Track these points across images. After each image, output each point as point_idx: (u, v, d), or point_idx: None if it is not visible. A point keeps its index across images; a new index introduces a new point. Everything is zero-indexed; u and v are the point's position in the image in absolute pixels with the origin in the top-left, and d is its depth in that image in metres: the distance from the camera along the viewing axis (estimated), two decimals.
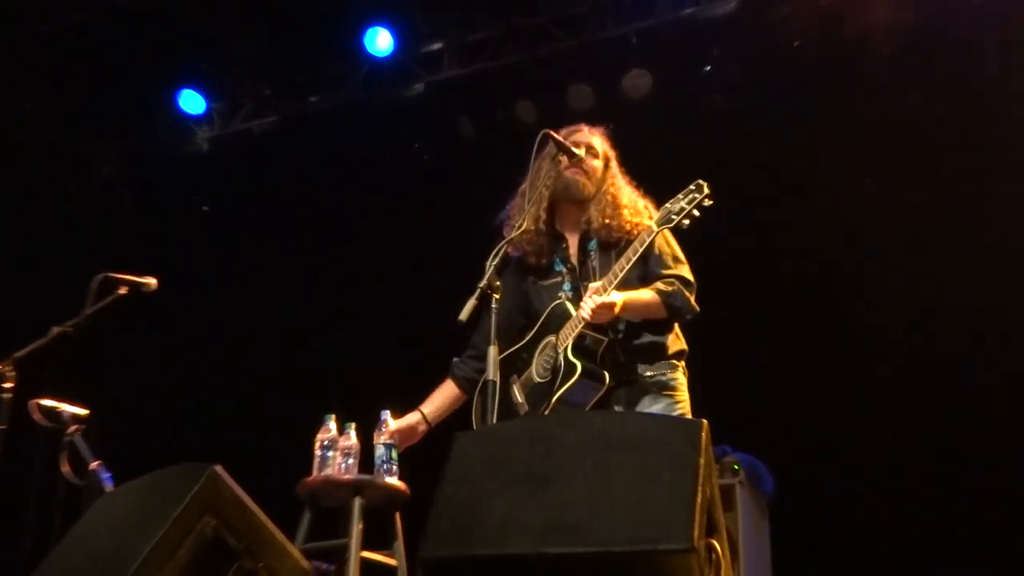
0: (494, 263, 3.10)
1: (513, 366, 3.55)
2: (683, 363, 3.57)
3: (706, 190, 3.20)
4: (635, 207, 3.53)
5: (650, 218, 3.39)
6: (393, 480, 3.49)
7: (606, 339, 3.43)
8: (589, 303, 3.26)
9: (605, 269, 3.40)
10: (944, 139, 5.27)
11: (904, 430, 5.35)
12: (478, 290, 3.00)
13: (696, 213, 3.19)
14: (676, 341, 3.56)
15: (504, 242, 3.24)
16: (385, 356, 6.42)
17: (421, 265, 6.48)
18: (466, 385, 3.71)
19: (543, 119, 5.56)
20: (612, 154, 3.67)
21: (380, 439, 3.50)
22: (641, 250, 3.27)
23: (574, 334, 3.38)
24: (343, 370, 6.30)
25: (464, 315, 2.93)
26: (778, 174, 5.76)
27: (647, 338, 3.50)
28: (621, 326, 3.48)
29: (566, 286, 3.52)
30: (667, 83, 5.94)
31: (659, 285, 3.44)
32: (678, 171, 3.37)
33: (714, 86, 5.84)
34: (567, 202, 3.59)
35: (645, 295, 3.41)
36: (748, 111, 5.79)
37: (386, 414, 3.52)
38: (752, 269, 5.77)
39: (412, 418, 3.62)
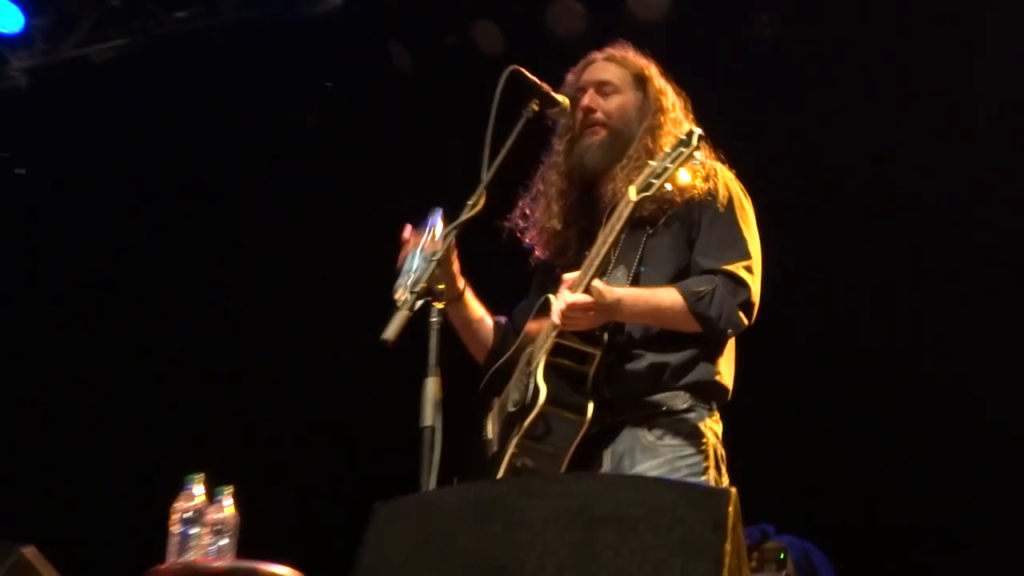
0: (436, 259, 3.21)
1: (495, 385, 3.70)
2: (718, 404, 3.63)
3: (695, 141, 3.32)
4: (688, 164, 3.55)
5: (708, 172, 3.56)
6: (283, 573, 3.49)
7: (597, 353, 3.49)
8: (557, 302, 3.37)
9: (630, 255, 3.55)
10: None
11: (1010, 508, 5.60)
12: (411, 296, 3.10)
13: (683, 176, 3.35)
14: (712, 369, 3.60)
15: (453, 225, 3.36)
16: (271, 382, 6.67)
17: (330, 251, 6.62)
18: (498, 333, 3.91)
19: (513, 50, 6.14)
20: (655, 79, 3.78)
21: (420, 244, 3.50)
22: (619, 227, 3.38)
23: (547, 345, 3.47)
24: (217, 399, 6.50)
25: (390, 334, 3.01)
26: (844, 143, 5.88)
27: (664, 357, 3.55)
28: (624, 336, 3.57)
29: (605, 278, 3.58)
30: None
31: (689, 283, 3.50)
32: (707, 127, 3.49)
33: (760, 4, 5.99)
34: (594, 175, 3.72)
35: (660, 296, 3.48)
36: (805, 43, 5.94)
37: (439, 214, 3.56)
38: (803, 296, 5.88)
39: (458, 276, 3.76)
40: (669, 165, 3.34)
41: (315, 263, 6.85)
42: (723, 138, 3.65)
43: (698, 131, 3.35)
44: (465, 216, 3.35)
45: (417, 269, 3.34)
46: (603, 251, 3.40)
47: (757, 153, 4.07)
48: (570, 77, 3.80)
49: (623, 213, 3.38)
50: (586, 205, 3.75)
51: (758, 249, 3.61)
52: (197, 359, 7.07)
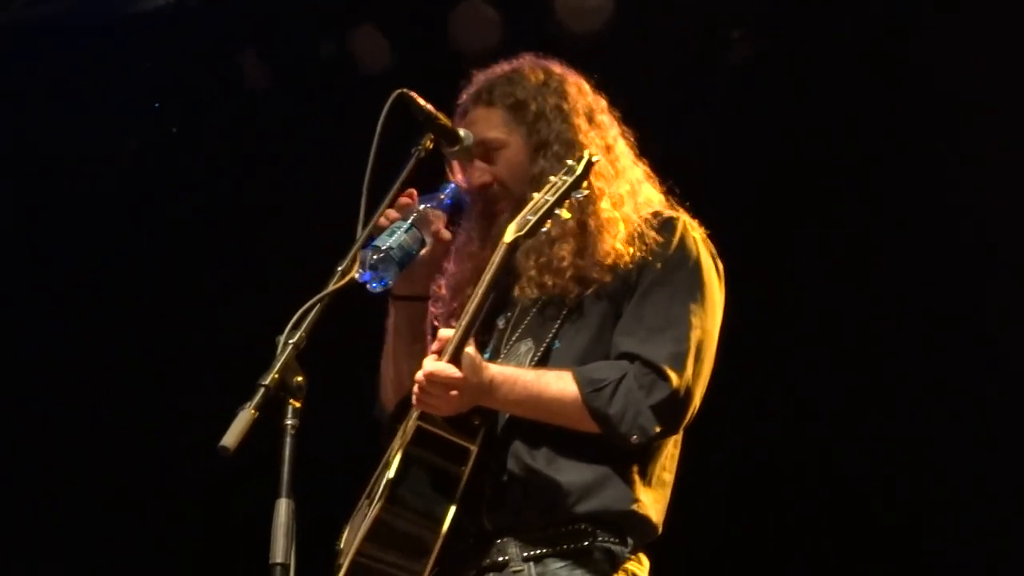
0: (289, 344, 2.91)
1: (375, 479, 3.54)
2: (638, 542, 3.29)
3: (580, 169, 3.21)
4: (609, 226, 3.40)
5: (649, 230, 3.40)
6: None
7: (472, 448, 3.25)
8: (419, 373, 3.22)
9: (542, 328, 3.40)
10: None
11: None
12: (260, 390, 2.81)
13: (560, 211, 3.21)
14: (629, 493, 3.27)
15: (317, 298, 3.06)
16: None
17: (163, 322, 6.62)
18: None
19: (402, 64, 5.98)
20: (535, 99, 3.55)
21: (413, 214, 3.44)
22: (489, 277, 3.22)
23: (406, 430, 3.31)
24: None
25: (230, 441, 2.73)
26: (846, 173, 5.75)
27: (561, 471, 3.26)
28: (508, 433, 3.31)
29: (486, 353, 3.46)
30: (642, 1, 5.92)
31: (592, 368, 3.26)
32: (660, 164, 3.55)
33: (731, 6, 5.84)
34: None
35: (547, 381, 3.24)
36: (782, 61, 5.82)
37: (451, 190, 3.52)
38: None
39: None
40: (549, 198, 3.20)
41: None
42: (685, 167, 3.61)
43: (590, 154, 3.26)
44: (333, 286, 3.11)
45: (391, 249, 3.32)
46: (473, 306, 3.20)
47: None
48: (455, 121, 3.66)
49: (495, 260, 3.22)
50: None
51: (708, 331, 3.35)
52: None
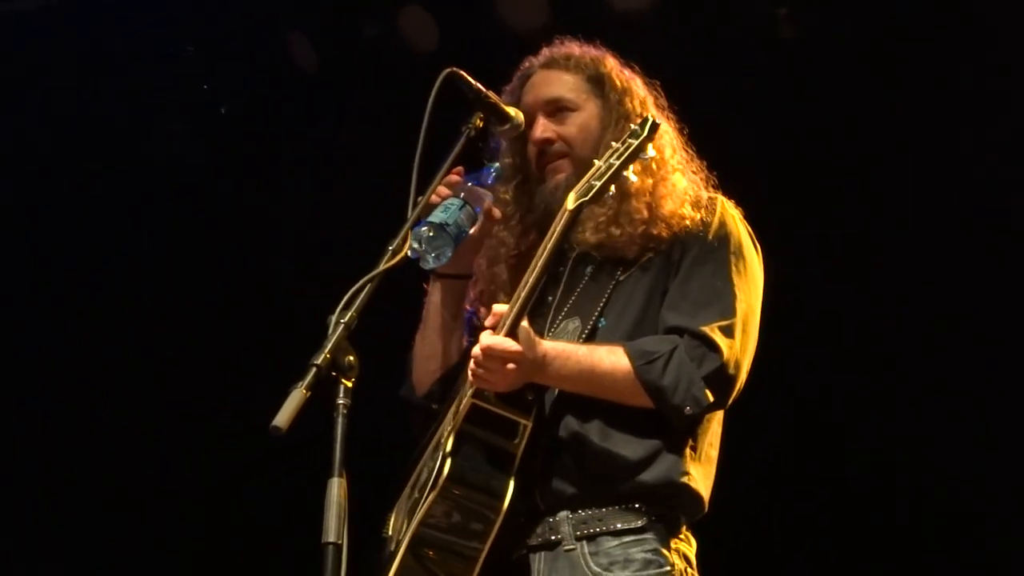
0: (341, 323, 2.90)
1: (412, 465, 3.54)
2: (688, 519, 3.32)
3: (647, 130, 3.19)
4: (672, 191, 3.43)
5: (702, 201, 3.45)
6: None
7: (527, 423, 3.24)
8: (475, 348, 3.21)
9: (590, 305, 3.40)
10: None
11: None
12: (312, 369, 2.80)
13: (628, 174, 3.20)
14: (679, 467, 3.27)
15: (368, 277, 3.03)
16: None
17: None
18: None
19: (447, 45, 5.94)
20: (614, 75, 3.57)
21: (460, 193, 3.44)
22: (551, 245, 3.21)
23: (461, 408, 3.28)
24: None
25: (282, 421, 2.72)
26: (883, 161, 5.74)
27: (613, 446, 3.25)
28: (559, 410, 3.32)
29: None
30: None
31: (643, 342, 3.27)
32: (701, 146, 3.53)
33: None
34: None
35: (600, 356, 3.24)
36: (781, 62, 5.79)
37: (491, 173, 3.52)
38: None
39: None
40: (614, 161, 3.18)
41: None
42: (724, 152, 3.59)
43: (653, 117, 3.23)
44: (384, 265, 3.09)
45: (447, 225, 3.31)
46: (532, 279, 3.20)
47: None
48: (504, 99, 3.60)
49: (557, 227, 3.22)
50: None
51: (752, 307, 3.36)
52: None
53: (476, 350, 3.19)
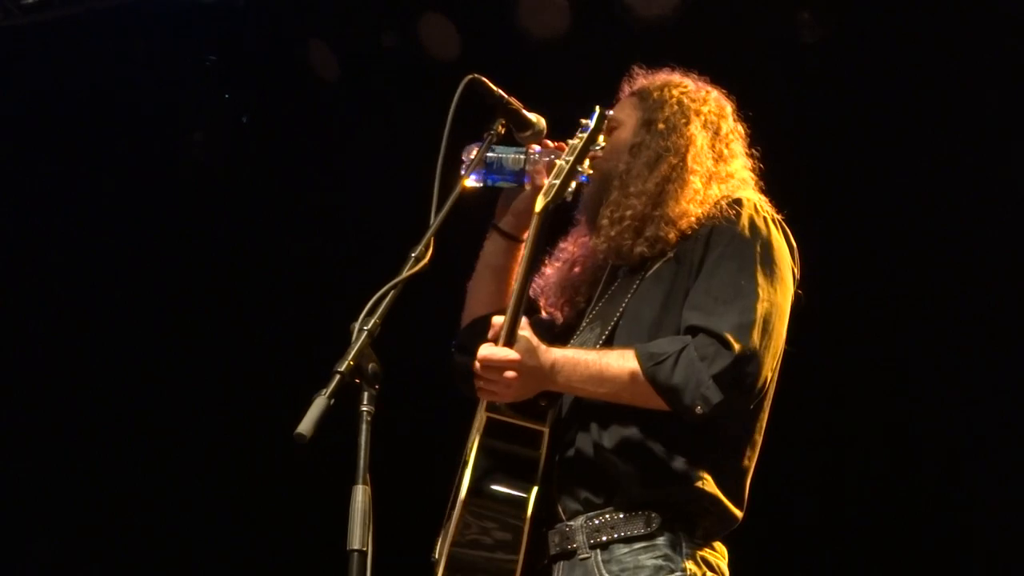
0: (364, 330, 2.91)
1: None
2: (710, 531, 3.27)
3: (594, 122, 3.25)
4: (683, 191, 3.40)
5: (724, 203, 3.42)
6: None
7: (544, 430, 3.26)
8: (475, 362, 3.27)
9: (611, 309, 3.43)
10: None
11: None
12: (335, 377, 2.82)
13: (580, 168, 3.23)
14: (697, 473, 3.24)
15: (391, 284, 3.03)
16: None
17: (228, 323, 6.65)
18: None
19: (470, 52, 5.91)
20: (673, 118, 3.55)
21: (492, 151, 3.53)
22: (528, 253, 3.25)
23: (478, 424, 3.32)
24: None
25: (306, 428, 2.73)
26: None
27: (625, 448, 3.24)
28: (573, 413, 3.33)
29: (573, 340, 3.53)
30: None
31: (653, 343, 3.25)
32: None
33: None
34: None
35: (609, 359, 3.24)
36: (781, 61, 5.80)
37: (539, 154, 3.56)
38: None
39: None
40: (568, 158, 3.24)
41: None
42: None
43: (600, 108, 3.30)
44: (407, 272, 3.10)
45: (495, 155, 3.47)
46: (516, 287, 3.22)
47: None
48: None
49: (530, 235, 3.27)
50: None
51: (777, 305, 3.31)
52: None
53: (475, 364, 3.23)
